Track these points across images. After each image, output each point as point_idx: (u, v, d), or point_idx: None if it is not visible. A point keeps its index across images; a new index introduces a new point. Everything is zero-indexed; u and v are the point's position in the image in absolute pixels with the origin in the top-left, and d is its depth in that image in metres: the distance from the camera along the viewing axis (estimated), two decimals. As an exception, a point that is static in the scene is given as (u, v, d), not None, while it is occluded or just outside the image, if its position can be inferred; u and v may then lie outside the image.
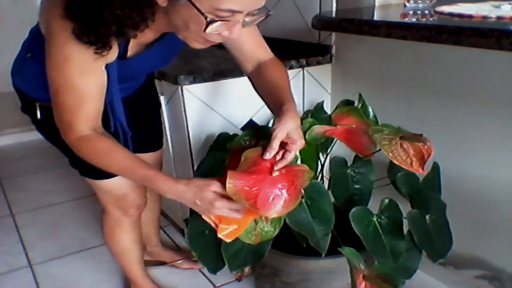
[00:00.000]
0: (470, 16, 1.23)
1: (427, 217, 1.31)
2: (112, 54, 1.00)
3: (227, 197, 1.00)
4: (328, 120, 1.35)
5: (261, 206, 0.98)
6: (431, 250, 1.31)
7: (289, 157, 1.04)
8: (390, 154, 1.14)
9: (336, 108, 1.40)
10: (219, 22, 0.89)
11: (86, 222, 2.22)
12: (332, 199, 1.29)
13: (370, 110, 1.47)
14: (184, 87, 1.59)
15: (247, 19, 0.92)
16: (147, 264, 1.69)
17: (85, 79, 0.99)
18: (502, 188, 1.35)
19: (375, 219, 1.23)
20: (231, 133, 1.58)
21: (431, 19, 1.37)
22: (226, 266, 1.29)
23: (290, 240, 1.29)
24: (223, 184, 0.99)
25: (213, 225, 1.07)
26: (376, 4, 1.62)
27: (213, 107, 1.68)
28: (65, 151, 1.29)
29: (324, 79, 1.86)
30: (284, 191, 1.01)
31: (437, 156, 1.17)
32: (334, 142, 1.40)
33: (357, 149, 1.27)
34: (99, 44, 0.92)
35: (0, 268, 1.91)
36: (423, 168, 1.13)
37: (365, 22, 1.40)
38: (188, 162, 1.73)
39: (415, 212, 1.28)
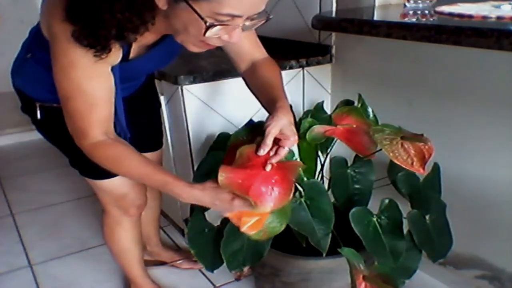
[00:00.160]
0: (470, 16, 1.23)
1: (427, 217, 1.31)
2: (117, 57, 1.00)
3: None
4: (328, 120, 1.35)
5: (254, 198, 0.99)
6: (431, 250, 1.31)
7: (282, 152, 1.05)
8: (391, 154, 1.14)
9: (336, 108, 1.40)
10: (219, 27, 0.89)
11: (86, 222, 2.22)
12: (332, 199, 1.29)
13: (370, 110, 1.47)
14: (184, 87, 1.59)
15: (247, 23, 0.92)
16: (147, 264, 1.69)
17: (91, 82, 0.99)
18: (502, 188, 1.35)
19: (375, 219, 1.23)
20: (231, 133, 1.58)
21: (431, 19, 1.37)
22: (226, 265, 1.29)
23: (290, 240, 1.29)
24: None
25: (234, 220, 1.07)
26: (376, 4, 1.62)
27: (213, 107, 1.68)
28: (65, 151, 1.29)
29: (324, 79, 1.86)
30: (276, 185, 1.01)
31: (437, 156, 1.17)
32: (334, 142, 1.40)
33: (357, 149, 1.27)
34: (99, 47, 0.92)
35: (0, 268, 1.91)
36: (424, 168, 1.13)
37: (365, 22, 1.40)
38: (188, 162, 1.73)
39: (415, 212, 1.28)
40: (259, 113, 1.72)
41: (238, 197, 1.00)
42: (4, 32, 3.54)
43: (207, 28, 0.88)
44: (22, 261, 1.95)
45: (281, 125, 1.04)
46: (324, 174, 1.43)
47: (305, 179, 1.29)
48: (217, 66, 1.67)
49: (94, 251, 1.99)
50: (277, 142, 1.05)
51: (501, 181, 1.35)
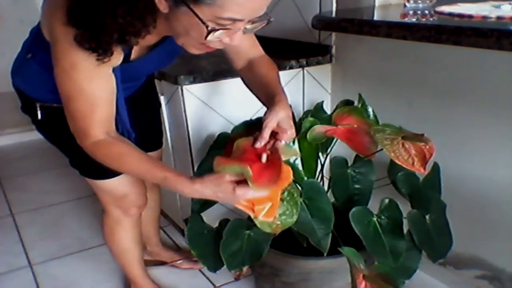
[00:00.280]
0: (470, 16, 1.23)
1: (427, 217, 1.31)
2: (118, 59, 1.00)
3: (244, 181, 0.99)
4: (328, 120, 1.35)
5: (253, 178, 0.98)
6: (431, 250, 1.31)
7: (279, 146, 1.05)
8: (392, 154, 1.14)
9: (336, 108, 1.40)
10: (220, 31, 0.89)
11: (86, 222, 2.22)
12: (332, 199, 1.29)
13: (370, 110, 1.47)
14: (184, 87, 1.59)
15: (248, 26, 0.93)
16: (147, 264, 1.69)
17: (93, 83, 0.99)
18: (502, 188, 1.35)
19: (375, 219, 1.23)
20: (231, 133, 1.58)
21: (431, 19, 1.37)
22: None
23: (290, 240, 1.29)
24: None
25: (247, 211, 1.06)
26: (376, 4, 1.62)
27: (213, 107, 1.68)
28: (65, 151, 1.29)
29: (324, 79, 1.86)
30: (271, 169, 1.01)
31: (437, 156, 1.17)
32: (334, 142, 1.40)
33: (358, 149, 1.27)
34: (100, 51, 0.92)
35: (0, 268, 1.91)
36: (424, 168, 1.13)
37: (365, 22, 1.40)
38: (188, 162, 1.73)
39: (415, 212, 1.28)
40: (259, 113, 1.71)
41: (238, 186, 0.99)
42: (4, 32, 3.54)
43: (209, 32, 0.88)
44: (22, 261, 1.95)
45: (279, 119, 1.04)
46: (324, 174, 1.43)
47: (305, 178, 1.29)
48: (217, 66, 1.67)
49: (94, 251, 1.99)
50: (274, 135, 1.06)
51: (501, 181, 1.35)
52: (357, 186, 1.32)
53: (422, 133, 1.18)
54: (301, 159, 1.34)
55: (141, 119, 1.42)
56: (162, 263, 1.84)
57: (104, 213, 1.45)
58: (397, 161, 1.14)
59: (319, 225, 1.21)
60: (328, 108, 1.79)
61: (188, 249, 1.54)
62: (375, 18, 1.54)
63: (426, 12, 1.45)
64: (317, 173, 1.38)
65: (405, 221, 1.26)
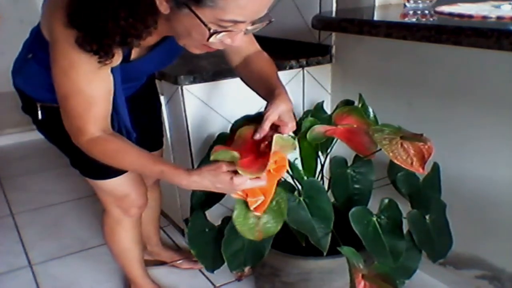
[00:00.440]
0: (470, 16, 1.23)
1: (427, 217, 1.31)
2: (117, 59, 1.00)
3: None
4: (328, 120, 1.35)
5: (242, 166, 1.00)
6: (431, 250, 1.31)
7: (275, 137, 1.04)
8: (391, 154, 1.14)
9: (336, 108, 1.40)
10: (222, 33, 0.90)
11: (86, 222, 2.22)
12: (332, 199, 1.29)
13: (370, 110, 1.47)
14: (184, 87, 1.59)
15: (249, 27, 0.93)
16: (147, 263, 1.69)
17: (92, 84, 0.99)
18: (502, 188, 1.35)
19: (375, 219, 1.23)
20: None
21: (431, 19, 1.37)
22: (226, 265, 1.29)
23: (290, 240, 1.29)
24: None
25: (242, 199, 1.09)
26: (376, 4, 1.62)
27: (213, 107, 1.68)
28: (65, 151, 1.29)
29: (324, 79, 1.86)
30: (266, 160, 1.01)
31: (437, 156, 1.17)
32: (334, 142, 1.40)
33: (357, 149, 1.27)
34: (102, 53, 0.93)
35: (0, 268, 1.91)
36: (423, 168, 1.13)
37: (365, 22, 1.40)
38: (188, 162, 1.73)
39: (415, 212, 1.28)
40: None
41: (236, 175, 0.99)
42: (4, 32, 3.54)
43: (211, 35, 0.89)
44: (22, 261, 1.95)
45: (280, 112, 1.05)
46: (324, 174, 1.43)
47: (304, 178, 1.29)
48: (217, 66, 1.67)
49: (94, 251, 1.99)
50: (275, 128, 1.06)
51: (501, 181, 1.35)
52: (356, 186, 1.33)
53: (421, 133, 1.18)
54: (301, 159, 1.34)
55: (141, 119, 1.42)
56: (162, 263, 1.84)
57: (104, 213, 1.45)
58: (395, 161, 1.14)
59: (319, 224, 1.21)
60: (328, 108, 1.79)
61: (188, 249, 1.54)
62: (375, 18, 1.54)
63: (426, 12, 1.45)
64: (317, 173, 1.39)
65: (405, 221, 1.26)
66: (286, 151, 1.08)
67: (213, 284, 1.74)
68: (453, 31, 1.12)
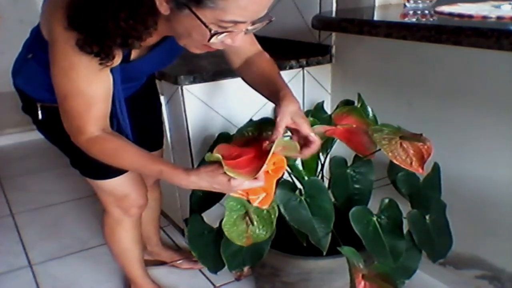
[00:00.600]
0: (470, 16, 1.23)
1: (427, 217, 1.31)
2: (117, 60, 1.00)
3: None
4: (328, 120, 1.35)
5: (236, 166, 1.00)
6: (431, 250, 1.31)
7: (315, 144, 1.06)
8: (390, 154, 1.14)
9: (336, 108, 1.40)
10: (223, 33, 0.90)
11: (86, 222, 2.22)
12: (332, 199, 1.29)
13: (370, 110, 1.47)
14: (184, 87, 1.59)
15: (250, 27, 0.93)
16: (147, 263, 1.69)
17: (92, 85, 0.99)
18: (502, 188, 1.35)
19: (375, 219, 1.23)
20: (231, 133, 1.58)
21: (431, 19, 1.37)
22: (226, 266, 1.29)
23: (290, 240, 1.29)
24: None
25: (244, 198, 1.09)
26: (376, 4, 1.62)
27: (213, 107, 1.68)
28: (66, 151, 1.29)
29: (324, 79, 1.86)
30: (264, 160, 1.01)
31: (437, 156, 1.17)
32: (334, 142, 1.40)
33: (357, 149, 1.27)
34: (103, 55, 0.93)
35: (0, 268, 1.91)
36: (422, 168, 1.13)
37: (365, 22, 1.40)
38: (188, 162, 1.73)
39: (415, 212, 1.28)
40: (259, 113, 1.73)
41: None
42: (4, 32, 3.54)
43: (212, 36, 0.89)
44: (22, 261, 1.95)
45: (291, 114, 1.05)
46: (324, 174, 1.43)
47: (305, 178, 1.29)
48: (217, 66, 1.67)
49: (94, 251, 1.99)
50: (291, 131, 1.07)
51: (501, 181, 1.35)
52: (357, 186, 1.32)
53: (421, 133, 1.18)
54: (301, 159, 1.34)
55: (141, 119, 1.42)
56: (162, 263, 1.84)
57: (104, 213, 1.45)
58: (395, 161, 1.14)
59: (319, 223, 1.21)
60: (328, 108, 1.79)
61: (188, 249, 1.54)
62: (375, 18, 1.54)
63: (426, 12, 1.45)
64: (317, 173, 1.39)
65: (405, 221, 1.26)
66: (290, 153, 1.08)
67: (213, 284, 1.74)
68: (453, 31, 1.12)
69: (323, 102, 1.62)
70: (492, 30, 1.03)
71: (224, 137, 1.51)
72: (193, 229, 1.36)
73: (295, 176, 1.35)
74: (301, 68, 1.79)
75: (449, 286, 1.62)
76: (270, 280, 1.43)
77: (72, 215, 2.30)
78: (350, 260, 1.13)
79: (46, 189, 2.61)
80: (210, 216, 1.39)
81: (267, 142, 1.04)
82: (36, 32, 1.12)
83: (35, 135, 1.46)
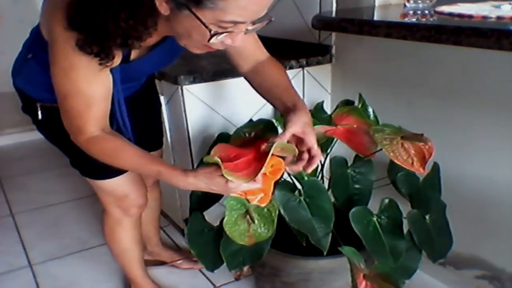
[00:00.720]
0: (470, 16, 1.23)
1: (427, 217, 1.31)
2: (116, 60, 1.00)
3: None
4: (328, 120, 1.35)
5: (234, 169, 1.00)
6: (431, 250, 1.31)
7: (317, 159, 1.07)
8: (391, 154, 1.14)
9: (336, 108, 1.40)
10: (223, 34, 0.90)
11: (86, 222, 2.22)
12: (332, 199, 1.29)
13: (370, 110, 1.47)
14: (184, 87, 1.59)
15: (250, 27, 0.93)
16: (147, 263, 1.69)
17: (92, 85, 0.99)
18: (502, 188, 1.35)
19: (375, 219, 1.23)
20: (231, 133, 1.58)
21: (431, 19, 1.37)
22: (226, 265, 1.29)
23: (290, 240, 1.29)
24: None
25: (242, 198, 1.10)
26: (376, 4, 1.62)
27: (213, 107, 1.68)
28: (66, 151, 1.30)
29: (324, 79, 1.86)
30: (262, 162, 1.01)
31: (437, 156, 1.17)
32: (334, 142, 1.40)
33: (358, 149, 1.27)
34: (103, 55, 0.93)
35: (0, 268, 1.91)
36: (424, 168, 1.13)
37: (365, 22, 1.40)
38: (188, 162, 1.73)
39: (415, 212, 1.28)
40: (259, 113, 1.73)
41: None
42: (4, 32, 3.54)
43: (212, 36, 0.89)
44: (22, 261, 1.95)
45: (302, 122, 1.05)
46: (324, 174, 1.43)
47: (305, 178, 1.29)
48: (217, 66, 1.67)
49: (94, 251, 1.99)
50: (299, 141, 1.07)
51: (501, 181, 1.35)
52: (357, 186, 1.32)
53: (421, 133, 1.18)
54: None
55: (141, 119, 1.42)
56: (162, 263, 1.84)
57: (104, 213, 1.45)
58: (396, 161, 1.14)
59: (319, 223, 1.21)
60: (328, 108, 1.79)
61: (188, 249, 1.54)
62: (375, 18, 1.54)
63: (426, 12, 1.45)
64: (317, 173, 1.38)
65: (405, 221, 1.26)
66: (287, 155, 1.08)
67: (213, 284, 1.74)
68: (453, 31, 1.12)
69: (323, 102, 1.62)
70: (492, 30, 1.03)
71: (224, 137, 1.51)
72: (193, 227, 1.36)
73: (294, 177, 1.35)
74: (301, 68, 1.79)
75: (449, 286, 1.62)
76: (270, 280, 1.43)
77: (72, 215, 2.30)
78: (351, 260, 1.13)
79: (46, 189, 2.61)
80: (210, 216, 1.39)
81: (265, 144, 1.05)
82: (36, 32, 1.12)
83: (35, 135, 1.46)
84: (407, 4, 1.55)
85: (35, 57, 1.15)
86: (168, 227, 2.13)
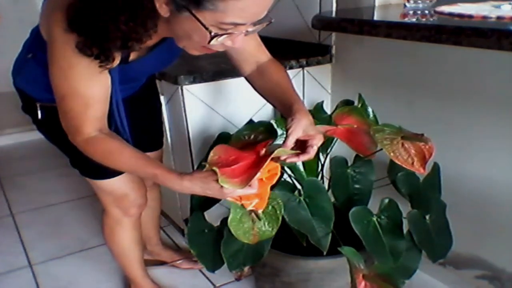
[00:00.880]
0: (470, 16, 1.23)
1: (427, 217, 1.31)
2: (115, 61, 1.00)
3: None
4: (328, 120, 1.35)
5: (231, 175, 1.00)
6: (431, 250, 1.31)
7: (312, 152, 1.05)
8: (392, 154, 1.14)
9: (336, 108, 1.41)
10: (223, 35, 0.90)
11: (86, 222, 2.22)
12: (332, 199, 1.29)
13: (370, 110, 1.47)
14: (184, 87, 1.59)
15: (250, 28, 0.93)
16: (147, 263, 1.69)
17: (90, 86, 0.99)
18: (502, 188, 1.35)
19: (375, 219, 1.23)
20: (231, 133, 1.58)
21: (431, 19, 1.37)
22: (226, 265, 1.29)
23: (290, 240, 1.29)
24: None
25: (238, 203, 1.10)
26: (376, 4, 1.62)
27: (213, 107, 1.68)
28: (65, 151, 1.30)
29: (324, 79, 1.86)
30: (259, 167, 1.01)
31: (437, 156, 1.17)
32: (334, 142, 1.40)
33: (358, 149, 1.27)
34: (103, 58, 0.93)
35: (0, 268, 1.91)
36: (424, 168, 1.13)
37: (365, 22, 1.40)
38: (188, 162, 1.73)
39: (415, 212, 1.28)
40: (259, 113, 1.73)
41: None
42: (4, 32, 3.54)
43: (212, 38, 0.89)
44: (22, 261, 1.95)
45: (303, 126, 1.05)
46: (324, 174, 1.43)
47: (305, 178, 1.29)
48: (217, 66, 1.67)
49: (94, 251, 1.99)
50: (303, 143, 1.06)
51: (501, 181, 1.35)
52: (357, 186, 1.32)
53: (422, 133, 1.18)
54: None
55: (141, 120, 1.42)
56: (162, 263, 1.84)
57: (104, 213, 1.45)
58: (396, 161, 1.14)
59: (319, 223, 1.21)
60: (328, 108, 1.79)
61: (188, 249, 1.54)
62: (375, 18, 1.54)
63: (426, 12, 1.45)
64: (318, 173, 1.38)
65: (405, 221, 1.26)
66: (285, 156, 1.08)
67: (213, 284, 1.74)
68: (453, 31, 1.12)
69: (323, 102, 1.62)
70: (492, 30, 1.03)
71: (224, 137, 1.51)
72: (194, 227, 1.36)
73: (294, 177, 1.35)
74: (301, 68, 1.79)
75: (449, 286, 1.62)
76: (270, 280, 1.43)
77: (72, 215, 2.30)
78: (351, 260, 1.13)
79: (46, 189, 2.61)
80: (210, 216, 1.39)
81: (265, 149, 1.05)
82: (36, 32, 1.12)
83: (35, 135, 1.46)
84: (407, 4, 1.55)
85: (35, 57, 1.15)
86: (168, 227, 2.13)
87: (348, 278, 1.13)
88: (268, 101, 1.21)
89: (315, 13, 1.64)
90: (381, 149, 1.18)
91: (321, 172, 1.41)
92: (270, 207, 1.17)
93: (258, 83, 1.21)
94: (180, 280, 1.77)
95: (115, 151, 1.06)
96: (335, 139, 1.37)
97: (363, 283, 1.12)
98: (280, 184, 1.21)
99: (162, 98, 1.70)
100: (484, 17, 1.20)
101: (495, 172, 1.36)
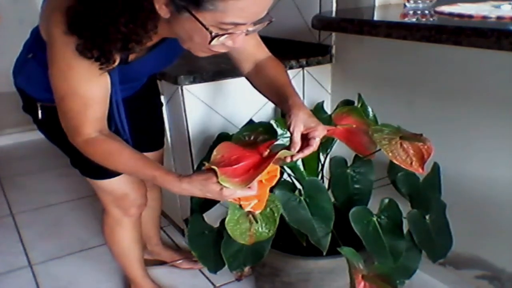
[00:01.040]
0: (470, 16, 1.23)
1: (427, 217, 1.31)
2: (115, 63, 1.00)
3: None
4: (328, 120, 1.35)
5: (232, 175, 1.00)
6: (431, 250, 1.31)
7: (315, 144, 1.04)
8: (390, 154, 1.14)
9: (336, 108, 1.41)
10: (224, 36, 0.90)
11: (86, 222, 2.22)
12: (332, 199, 1.29)
13: (370, 110, 1.47)
14: (184, 87, 1.59)
15: (250, 28, 0.93)
16: (147, 263, 1.69)
17: (90, 86, 0.99)
18: (502, 188, 1.35)
19: (375, 219, 1.23)
20: (231, 133, 1.58)
21: (431, 19, 1.37)
22: (226, 265, 1.29)
23: (290, 240, 1.29)
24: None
25: (236, 204, 1.10)
26: (376, 4, 1.62)
27: (213, 107, 1.68)
28: (66, 151, 1.30)
29: (324, 79, 1.86)
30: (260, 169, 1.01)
31: (437, 156, 1.17)
32: (334, 142, 1.40)
33: (357, 149, 1.27)
34: (103, 60, 0.93)
35: (0, 268, 1.91)
36: (423, 168, 1.13)
37: (365, 22, 1.40)
38: (188, 162, 1.73)
39: (415, 212, 1.28)
40: (259, 113, 1.73)
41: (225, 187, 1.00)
42: (4, 32, 3.54)
43: (213, 38, 0.89)
44: (22, 261, 1.95)
45: (302, 120, 1.04)
46: (324, 174, 1.43)
47: (305, 178, 1.29)
48: (217, 66, 1.67)
49: (94, 251, 1.99)
50: (304, 136, 1.06)
51: (501, 181, 1.35)
52: (356, 186, 1.32)
53: (421, 133, 1.18)
54: (302, 160, 1.34)
55: (142, 120, 1.42)
56: (162, 263, 1.84)
57: (104, 213, 1.45)
58: (395, 161, 1.14)
59: (319, 223, 1.21)
60: (328, 108, 1.79)
61: (188, 249, 1.55)
62: (375, 18, 1.54)
63: (426, 12, 1.45)
64: (317, 173, 1.39)
65: (405, 221, 1.26)
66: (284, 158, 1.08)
67: (213, 284, 1.74)
68: (453, 31, 1.12)
69: (323, 102, 1.62)
70: (492, 30, 1.03)
71: (224, 137, 1.51)
72: (194, 229, 1.36)
73: (294, 177, 1.35)
74: (301, 68, 1.79)
75: (449, 286, 1.62)
76: (270, 280, 1.43)
77: (72, 215, 2.30)
78: (350, 261, 1.13)
79: (46, 189, 2.61)
80: (210, 217, 1.39)
81: (267, 151, 1.05)
82: (36, 33, 1.12)
83: (35, 135, 1.46)
84: (407, 4, 1.55)
85: (35, 57, 1.16)
86: (168, 227, 2.13)
87: (348, 278, 1.13)
88: (267, 97, 1.20)
89: (315, 13, 1.64)
90: (381, 149, 1.18)
91: (321, 172, 1.41)
92: (268, 209, 1.17)
93: (256, 80, 1.21)
94: (180, 280, 1.77)
95: (114, 152, 1.05)
96: (335, 139, 1.37)
97: (362, 284, 1.12)
98: (280, 184, 1.21)
99: (162, 98, 1.70)
100: (484, 17, 1.20)
101: (495, 172, 1.36)
